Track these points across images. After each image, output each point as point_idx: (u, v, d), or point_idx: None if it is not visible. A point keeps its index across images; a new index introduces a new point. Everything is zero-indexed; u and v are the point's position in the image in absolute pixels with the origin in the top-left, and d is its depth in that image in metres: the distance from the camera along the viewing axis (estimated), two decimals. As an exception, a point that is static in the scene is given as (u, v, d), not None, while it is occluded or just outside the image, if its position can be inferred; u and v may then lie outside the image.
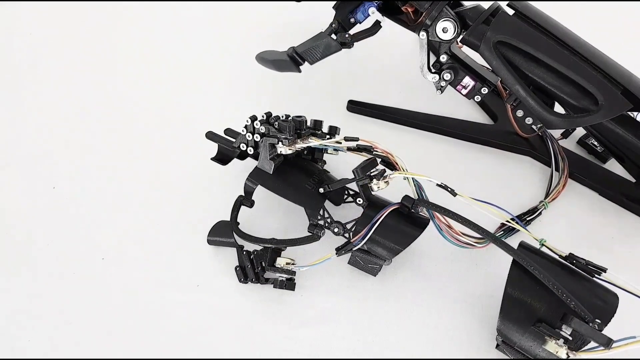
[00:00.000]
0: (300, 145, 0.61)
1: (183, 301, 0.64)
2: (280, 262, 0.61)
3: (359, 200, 0.63)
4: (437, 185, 0.60)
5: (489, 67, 0.67)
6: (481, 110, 0.81)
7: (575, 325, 0.49)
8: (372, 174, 0.61)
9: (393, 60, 0.89)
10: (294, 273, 0.62)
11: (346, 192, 0.68)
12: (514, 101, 0.66)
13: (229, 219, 0.66)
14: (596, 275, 0.55)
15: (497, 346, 0.58)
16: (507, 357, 0.59)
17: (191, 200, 0.72)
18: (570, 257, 0.56)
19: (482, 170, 0.75)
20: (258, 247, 0.64)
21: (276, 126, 0.61)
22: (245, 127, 0.63)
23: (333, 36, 0.70)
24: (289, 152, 0.61)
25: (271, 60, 0.75)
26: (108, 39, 0.96)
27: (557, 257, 0.57)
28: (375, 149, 0.63)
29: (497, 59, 0.63)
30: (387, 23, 0.72)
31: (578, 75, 0.60)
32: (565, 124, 0.62)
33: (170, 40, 0.96)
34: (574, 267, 0.56)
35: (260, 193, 0.70)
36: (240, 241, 0.65)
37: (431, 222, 0.61)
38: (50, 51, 0.94)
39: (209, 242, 0.67)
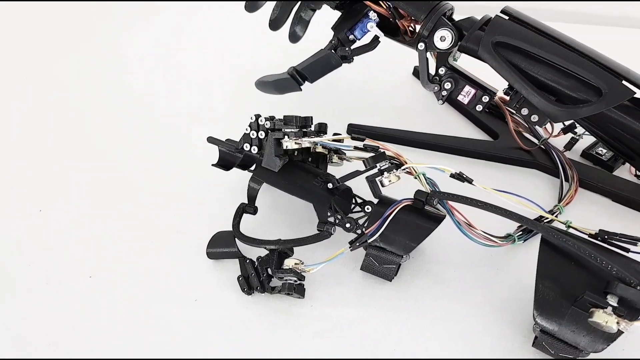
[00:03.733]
0: (306, 140, 0.59)
1: (179, 317, 0.57)
2: (289, 262, 0.56)
3: (368, 208, 0.60)
4: (451, 175, 0.58)
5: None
6: (481, 131, 0.81)
7: (621, 292, 0.45)
8: (382, 168, 0.58)
9: (391, 85, 0.90)
10: (303, 278, 0.57)
11: (353, 202, 0.64)
12: (517, 102, 0.66)
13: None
14: (632, 249, 0.51)
15: (535, 340, 0.52)
16: (546, 356, 0.53)
17: (186, 213, 0.68)
18: (602, 233, 0.52)
19: (489, 184, 0.73)
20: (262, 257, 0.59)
21: (280, 124, 0.60)
22: (250, 125, 0.61)
23: (333, 52, 0.71)
24: (296, 146, 0.59)
25: (271, 81, 0.76)
26: (100, 51, 0.99)
27: (586, 236, 0.53)
28: (383, 150, 0.61)
29: (497, 59, 0.64)
30: (385, 45, 0.75)
31: (578, 67, 0.61)
32: (570, 115, 0.62)
33: (169, 52, 0.98)
34: (607, 245, 0.52)
35: (263, 207, 0.66)
36: (243, 247, 0.60)
37: (448, 223, 0.58)
38: (39, 63, 0.94)
39: (209, 254, 0.62)
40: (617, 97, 0.60)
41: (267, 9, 0.82)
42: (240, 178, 0.68)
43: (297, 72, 0.73)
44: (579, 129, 0.74)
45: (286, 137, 0.59)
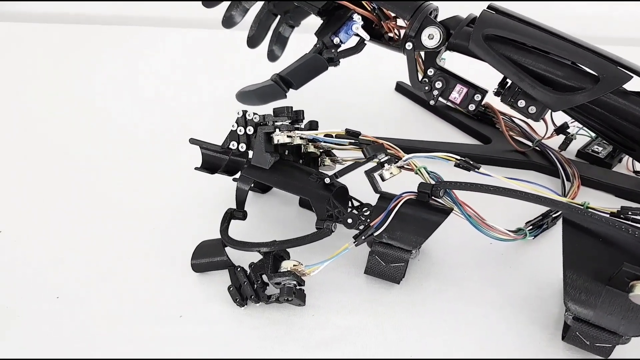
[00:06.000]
0: (299, 134, 0.55)
1: (162, 336, 0.49)
2: (286, 264, 0.50)
3: (366, 211, 0.56)
4: (456, 164, 0.54)
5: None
6: (472, 138, 0.79)
7: (663, 261, 0.41)
8: (382, 160, 0.54)
9: (375, 100, 0.88)
10: (303, 282, 0.51)
11: (350, 205, 0.60)
12: (512, 96, 0.64)
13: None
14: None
15: (567, 332, 0.47)
16: (580, 351, 0.47)
17: (166, 224, 0.62)
18: (624, 210, 0.49)
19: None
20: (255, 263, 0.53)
21: (270, 117, 0.55)
22: (237, 120, 0.56)
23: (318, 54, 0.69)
24: (287, 140, 0.54)
25: (254, 90, 0.72)
26: (73, 71, 0.96)
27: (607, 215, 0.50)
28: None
29: (489, 52, 0.62)
30: (366, 63, 0.73)
31: (572, 55, 0.60)
32: (568, 102, 0.60)
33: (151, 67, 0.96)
34: (630, 222, 0.48)
35: (252, 216, 0.60)
36: (232, 256, 0.54)
37: (450, 224, 0.53)
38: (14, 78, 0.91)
39: (194, 266, 0.55)
40: (614, 82, 0.59)
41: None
42: (225, 188, 0.63)
43: (281, 78, 0.70)
44: (572, 129, 0.73)
45: (277, 130, 0.54)
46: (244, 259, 0.54)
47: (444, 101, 0.80)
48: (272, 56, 0.86)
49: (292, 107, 0.55)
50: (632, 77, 0.59)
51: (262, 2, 0.80)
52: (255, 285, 0.51)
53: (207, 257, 0.54)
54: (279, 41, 0.85)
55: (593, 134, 0.74)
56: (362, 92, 0.90)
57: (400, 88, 0.89)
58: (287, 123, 0.54)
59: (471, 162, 0.53)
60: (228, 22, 0.80)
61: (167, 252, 0.58)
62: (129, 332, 0.50)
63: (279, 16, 0.83)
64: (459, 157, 0.54)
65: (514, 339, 0.50)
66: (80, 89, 0.91)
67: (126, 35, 1.10)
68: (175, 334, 0.50)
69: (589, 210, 0.51)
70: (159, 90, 0.91)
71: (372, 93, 0.90)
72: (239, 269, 0.53)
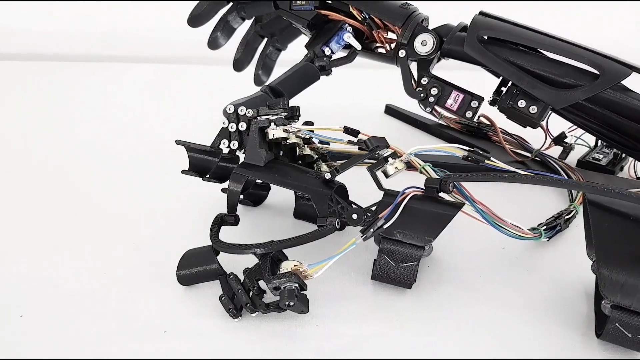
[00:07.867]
0: (295, 128, 0.51)
1: (143, 354, 0.43)
2: (287, 265, 0.45)
3: (368, 215, 0.51)
4: (464, 157, 0.51)
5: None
6: (469, 152, 0.76)
7: None
8: (385, 155, 0.50)
9: (367, 122, 0.85)
10: (305, 287, 0.45)
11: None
12: (511, 98, 0.62)
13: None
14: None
15: (601, 328, 0.42)
16: (618, 348, 0.42)
17: (147, 234, 0.56)
18: (650, 190, 0.45)
19: (494, 194, 0.66)
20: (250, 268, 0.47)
21: (265, 111, 0.51)
22: (228, 117, 0.52)
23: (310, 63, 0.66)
24: (283, 135, 0.50)
25: (242, 103, 0.68)
26: (53, 97, 0.94)
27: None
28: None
29: (485, 53, 0.61)
30: (355, 87, 0.71)
31: (569, 53, 0.59)
32: (570, 98, 0.58)
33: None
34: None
35: (243, 227, 0.55)
36: (223, 262, 0.48)
37: (457, 228, 0.49)
38: None
39: (180, 278, 0.49)
40: (614, 77, 0.57)
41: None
42: (214, 198, 0.58)
43: (271, 89, 0.67)
44: (570, 139, 0.71)
45: (272, 124, 0.50)
46: (238, 269, 0.48)
47: (437, 118, 0.78)
48: (258, 81, 0.84)
49: (287, 100, 0.51)
50: (631, 72, 0.58)
51: (250, 23, 0.79)
52: (251, 293, 0.46)
53: (195, 266, 0.48)
54: (266, 65, 0.83)
55: (591, 144, 0.72)
56: (351, 117, 0.87)
57: (389, 110, 0.87)
58: (282, 117, 0.50)
59: (480, 152, 0.50)
60: (213, 43, 0.78)
61: (148, 264, 0.52)
62: (106, 350, 0.43)
63: (265, 39, 0.81)
64: (466, 148, 0.51)
65: (544, 341, 0.44)
66: (59, 116, 0.88)
67: (106, 69, 1.08)
68: (159, 351, 0.43)
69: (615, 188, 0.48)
70: (142, 111, 0.90)
71: (362, 118, 0.87)
72: (231, 277, 0.47)
